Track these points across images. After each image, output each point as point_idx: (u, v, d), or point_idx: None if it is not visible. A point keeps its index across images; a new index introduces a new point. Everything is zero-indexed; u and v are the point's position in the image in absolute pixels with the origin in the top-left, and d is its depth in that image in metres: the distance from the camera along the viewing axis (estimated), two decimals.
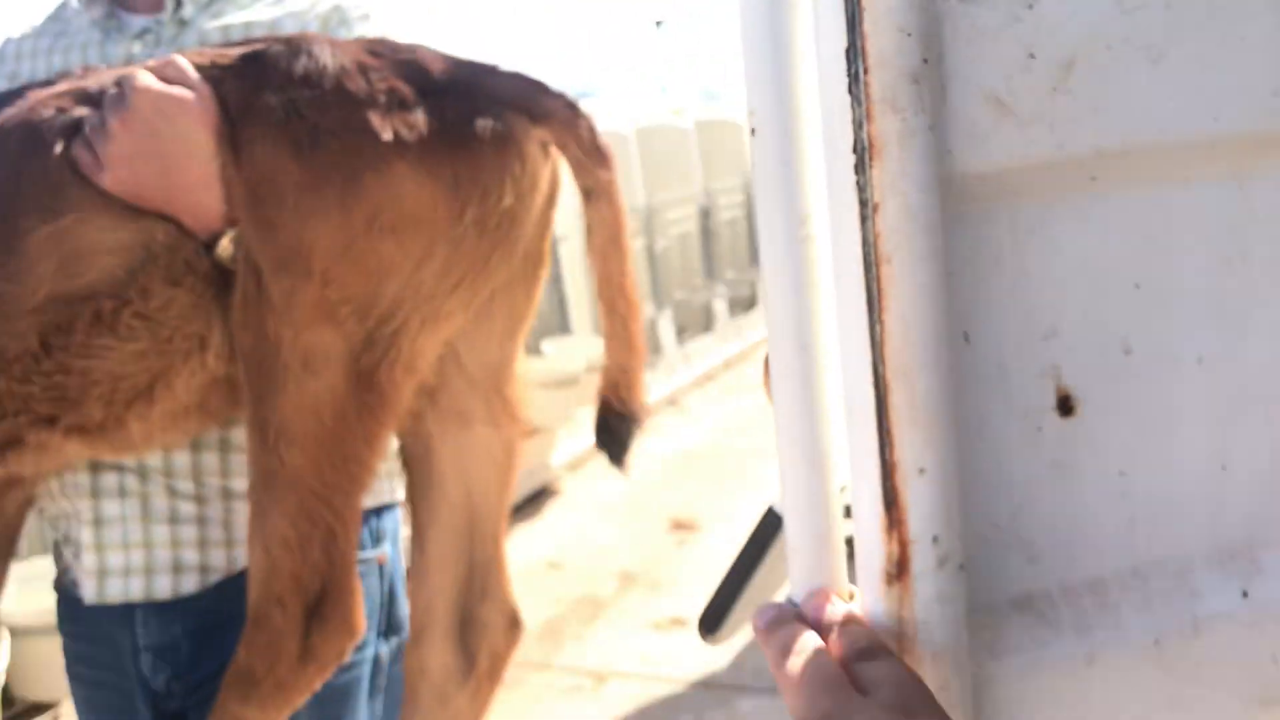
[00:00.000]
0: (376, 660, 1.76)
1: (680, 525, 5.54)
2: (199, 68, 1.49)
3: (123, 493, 1.67)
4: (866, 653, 0.73)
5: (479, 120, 1.49)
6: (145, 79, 1.46)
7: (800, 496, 0.79)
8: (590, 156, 1.54)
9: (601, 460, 1.66)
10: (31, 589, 2.47)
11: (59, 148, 1.47)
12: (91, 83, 1.53)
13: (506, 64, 1.60)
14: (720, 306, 8.88)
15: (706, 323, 8.79)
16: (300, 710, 1.58)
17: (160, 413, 1.54)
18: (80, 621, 1.76)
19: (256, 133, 1.45)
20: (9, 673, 3.59)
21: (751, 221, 9.64)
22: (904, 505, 0.74)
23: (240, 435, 1.61)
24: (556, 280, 6.81)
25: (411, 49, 1.54)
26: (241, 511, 1.63)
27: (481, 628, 1.77)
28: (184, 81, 1.47)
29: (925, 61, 0.73)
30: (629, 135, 7.91)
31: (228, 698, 1.53)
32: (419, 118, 1.46)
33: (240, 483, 1.64)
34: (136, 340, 1.49)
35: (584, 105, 1.57)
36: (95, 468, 1.66)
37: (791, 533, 0.80)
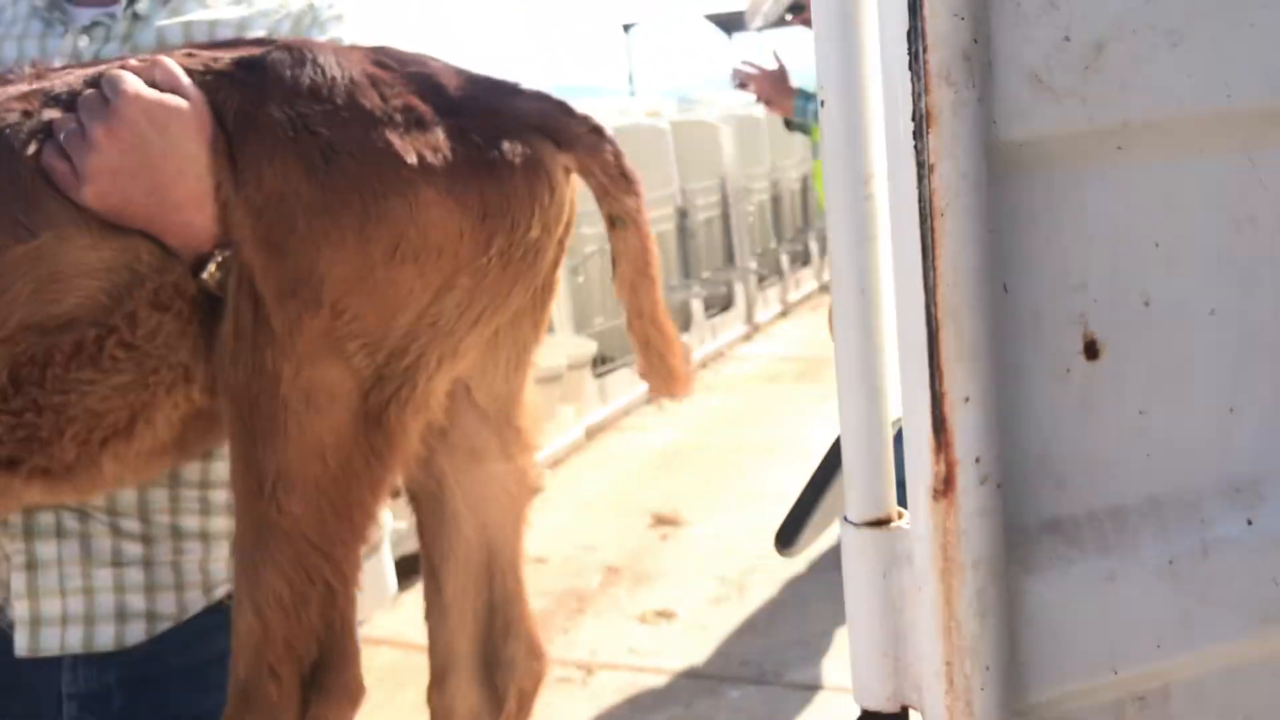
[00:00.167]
0: None
1: (662, 520, 5.61)
2: (190, 72, 1.35)
3: (60, 533, 1.51)
4: None
5: (506, 145, 1.37)
6: (133, 83, 1.31)
7: (859, 425, 0.89)
8: (617, 184, 1.43)
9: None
10: None
11: (29, 156, 1.31)
12: (57, 83, 1.37)
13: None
14: (696, 306, 8.98)
15: (683, 322, 8.86)
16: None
17: (137, 451, 1.39)
18: None
19: (262, 149, 1.32)
20: None
21: (727, 222, 9.77)
22: (951, 429, 0.84)
23: (191, 470, 1.52)
24: None
25: (419, 60, 1.43)
26: (193, 552, 1.53)
27: (508, 667, 1.64)
28: (176, 87, 1.33)
29: (975, 41, 0.84)
30: None
31: None
32: (440, 139, 1.35)
33: (191, 521, 1.54)
34: (121, 373, 1.34)
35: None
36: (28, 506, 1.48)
37: (849, 457, 0.90)
